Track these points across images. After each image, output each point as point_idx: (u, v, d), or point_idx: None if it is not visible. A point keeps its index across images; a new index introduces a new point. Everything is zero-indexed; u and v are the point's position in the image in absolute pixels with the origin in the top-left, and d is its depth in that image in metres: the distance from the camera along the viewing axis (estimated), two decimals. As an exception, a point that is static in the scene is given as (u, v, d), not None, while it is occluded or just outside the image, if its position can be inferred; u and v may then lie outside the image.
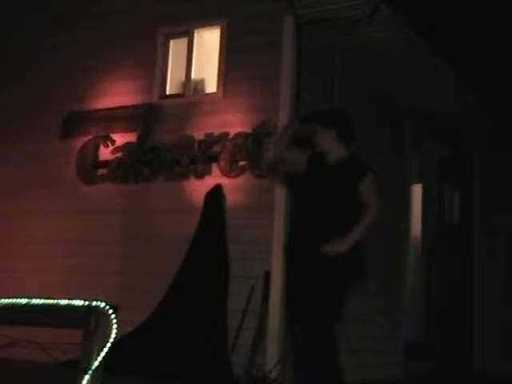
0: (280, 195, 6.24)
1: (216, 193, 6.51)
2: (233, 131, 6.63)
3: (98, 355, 3.62)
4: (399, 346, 8.14)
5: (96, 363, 3.60)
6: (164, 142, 6.97)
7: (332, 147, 4.61)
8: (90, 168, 7.35)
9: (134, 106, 7.25)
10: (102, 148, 7.34)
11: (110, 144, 7.30)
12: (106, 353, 3.64)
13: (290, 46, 6.46)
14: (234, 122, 6.66)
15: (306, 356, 4.49)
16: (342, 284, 4.53)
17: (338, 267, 4.39)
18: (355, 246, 4.42)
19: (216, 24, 7.03)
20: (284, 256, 5.83)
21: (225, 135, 6.65)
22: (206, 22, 7.15)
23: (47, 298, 3.84)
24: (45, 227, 7.44)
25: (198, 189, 6.65)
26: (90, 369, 3.59)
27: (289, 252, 4.75)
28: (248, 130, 6.56)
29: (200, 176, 6.73)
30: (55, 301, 3.80)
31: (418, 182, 9.27)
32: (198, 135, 6.81)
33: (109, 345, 3.66)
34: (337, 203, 4.49)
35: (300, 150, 4.74)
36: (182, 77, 7.23)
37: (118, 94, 7.39)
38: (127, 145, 7.18)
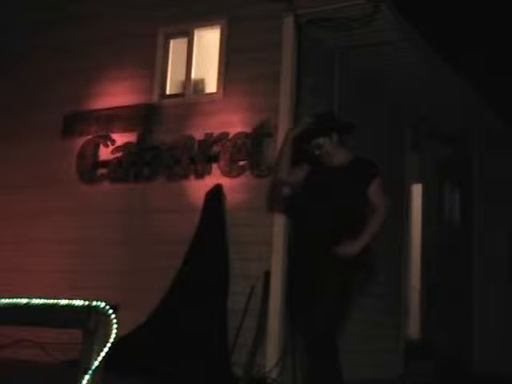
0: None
1: (216, 193, 6.51)
2: (233, 131, 6.62)
3: (98, 355, 3.62)
4: (399, 346, 8.14)
5: (96, 363, 3.61)
6: (164, 142, 6.97)
7: (338, 151, 4.64)
8: (89, 168, 7.34)
9: (134, 106, 7.25)
10: (102, 148, 7.33)
11: (110, 144, 7.30)
12: (106, 353, 3.64)
13: (290, 46, 6.46)
14: (234, 122, 6.65)
15: (306, 355, 4.50)
16: (352, 285, 4.56)
17: (349, 269, 4.42)
18: (365, 248, 4.46)
19: (216, 24, 7.03)
20: (288, 256, 5.85)
21: (225, 135, 6.65)
22: (206, 21, 7.14)
23: (47, 298, 3.84)
24: (44, 227, 7.43)
25: (198, 189, 6.65)
26: (90, 369, 3.59)
27: (295, 252, 4.76)
28: (248, 130, 6.56)
29: (200, 176, 6.73)
30: (55, 301, 3.80)
31: (418, 182, 9.27)
32: (198, 135, 6.80)
33: (109, 345, 3.66)
34: (347, 204, 4.51)
35: (299, 167, 4.75)
36: (182, 77, 7.23)
37: (118, 94, 7.39)
38: (127, 145, 7.18)
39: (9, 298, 3.92)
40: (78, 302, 3.73)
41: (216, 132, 6.71)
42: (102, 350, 3.63)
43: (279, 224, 6.19)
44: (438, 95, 8.21)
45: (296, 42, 6.46)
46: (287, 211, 6.07)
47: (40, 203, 7.52)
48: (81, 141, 7.46)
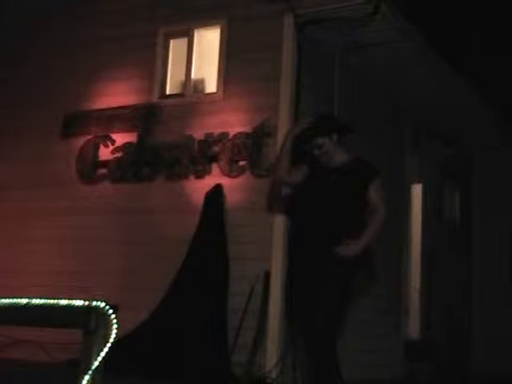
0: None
1: (216, 193, 6.51)
2: (233, 131, 6.62)
3: (98, 355, 3.62)
4: (399, 346, 8.14)
5: (96, 363, 3.61)
6: (164, 142, 6.97)
7: (337, 151, 4.64)
8: (89, 168, 7.34)
9: (134, 106, 7.24)
10: (102, 148, 7.33)
11: (110, 144, 7.29)
12: (106, 353, 3.64)
13: (289, 46, 6.46)
14: (233, 122, 6.66)
15: (306, 355, 4.50)
16: (352, 286, 4.56)
17: (350, 269, 4.42)
18: (365, 248, 4.46)
19: (216, 24, 7.03)
20: (288, 256, 5.85)
21: (225, 135, 6.65)
22: (206, 21, 7.14)
23: (47, 298, 3.84)
24: (44, 227, 7.43)
25: (198, 189, 6.65)
26: (89, 369, 3.59)
27: (295, 252, 4.76)
28: (248, 130, 6.56)
29: (200, 176, 6.73)
30: (55, 301, 3.80)
31: (418, 182, 9.28)
32: (198, 135, 6.80)
33: (109, 345, 3.66)
34: (347, 205, 4.51)
35: (297, 167, 4.75)
36: (182, 77, 7.23)
37: (118, 94, 7.39)
38: (127, 145, 7.18)
39: (9, 298, 3.92)
40: (78, 302, 3.73)
41: (216, 132, 6.71)
42: (101, 350, 3.63)
43: (279, 224, 6.19)
44: (437, 95, 8.21)
45: (296, 42, 6.46)
46: (287, 211, 6.07)
47: (40, 203, 7.51)
48: (81, 141, 7.46)
